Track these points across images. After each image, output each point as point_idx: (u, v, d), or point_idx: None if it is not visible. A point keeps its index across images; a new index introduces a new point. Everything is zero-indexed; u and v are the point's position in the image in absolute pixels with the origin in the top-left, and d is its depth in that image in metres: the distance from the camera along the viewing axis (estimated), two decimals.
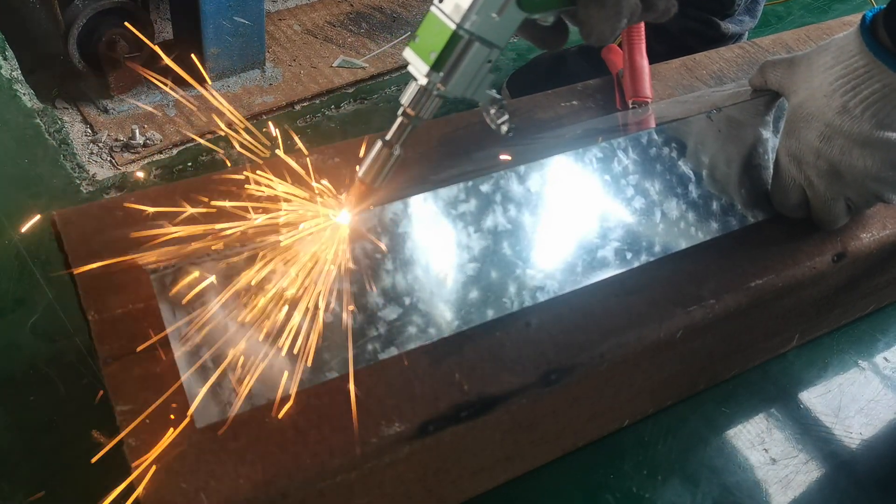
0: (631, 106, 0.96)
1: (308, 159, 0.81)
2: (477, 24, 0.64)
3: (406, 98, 0.68)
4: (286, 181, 0.76)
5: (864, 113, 0.78)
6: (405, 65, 1.46)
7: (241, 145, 0.79)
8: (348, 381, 0.68)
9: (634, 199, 0.84)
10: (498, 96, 0.70)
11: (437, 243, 0.75)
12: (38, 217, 1.08)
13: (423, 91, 0.67)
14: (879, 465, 0.95)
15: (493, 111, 0.71)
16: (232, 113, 0.82)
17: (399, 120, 0.69)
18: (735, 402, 0.99)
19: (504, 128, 0.71)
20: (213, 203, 0.73)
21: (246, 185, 0.76)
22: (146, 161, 1.23)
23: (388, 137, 0.69)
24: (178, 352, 0.65)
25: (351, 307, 0.70)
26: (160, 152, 1.25)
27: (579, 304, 0.78)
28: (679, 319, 0.79)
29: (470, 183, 0.77)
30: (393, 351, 0.71)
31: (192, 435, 0.63)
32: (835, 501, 0.91)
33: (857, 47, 0.78)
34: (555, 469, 0.89)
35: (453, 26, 0.64)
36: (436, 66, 0.65)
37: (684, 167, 0.87)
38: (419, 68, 0.66)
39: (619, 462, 0.91)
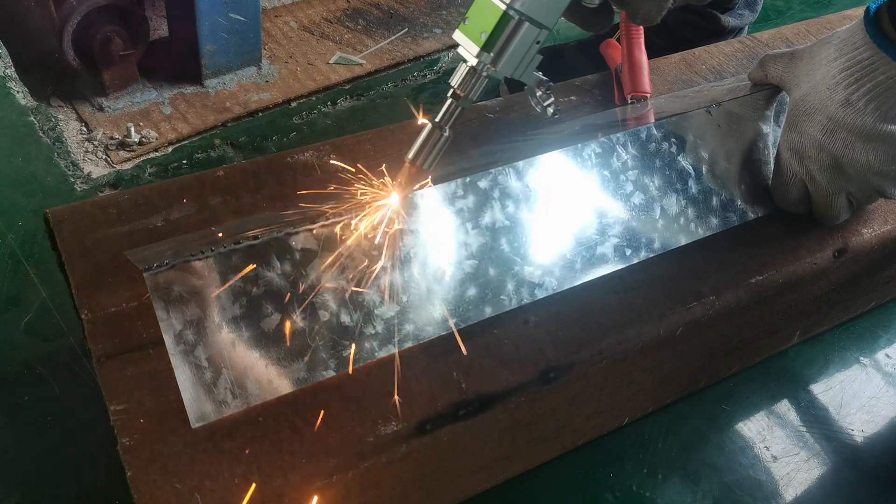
0: (630, 101, 0.96)
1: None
2: (527, 4, 0.65)
3: (456, 80, 0.69)
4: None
5: (867, 106, 0.77)
6: (402, 62, 1.47)
7: None
8: (345, 380, 0.67)
9: (634, 195, 0.83)
10: (545, 78, 0.71)
11: (434, 240, 0.74)
12: (31, 215, 1.08)
13: (473, 72, 0.68)
14: (881, 463, 0.94)
15: (539, 93, 0.72)
16: None
17: (448, 101, 0.70)
18: (736, 399, 0.98)
19: (550, 110, 0.73)
20: None
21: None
22: (141, 159, 1.22)
23: (437, 119, 0.70)
24: (173, 350, 0.64)
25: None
26: (156, 150, 1.24)
27: (578, 301, 0.77)
28: (679, 316, 0.78)
29: (468, 179, 0.77)
30: (390, 349, 0.70)
31: (186, 434, 0.62)
32: (836, 499, 0.91)
33: (861, 39, 0.77)
34: (554, 468, 0.88)
35: (503, 6, 0.65)
36: (486, 47, 0.66)
37: (684, 162, 0.86)
38: (469, 49, 0.67)
39: (619, 460, 0.90)
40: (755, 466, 0.92)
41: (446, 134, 0.70)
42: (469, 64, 0.68)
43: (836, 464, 0.94)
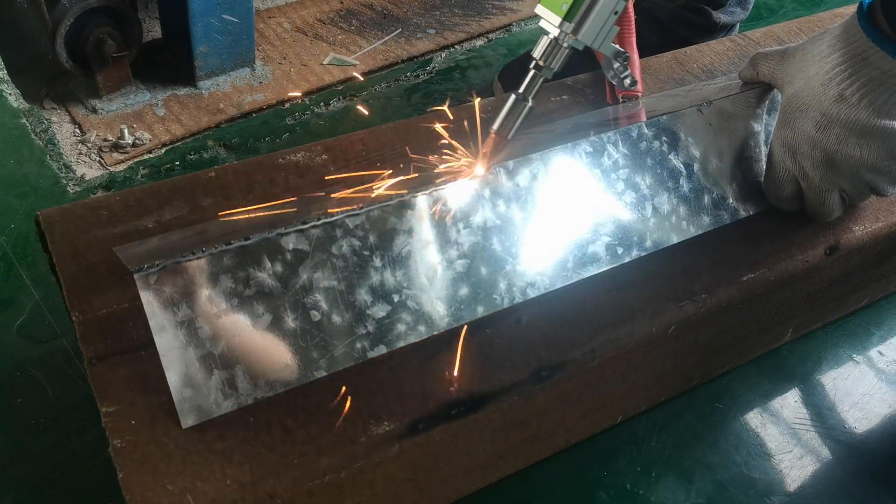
0: (621, 100, 0.96)
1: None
2: None
3: (538, 51, 0.73)
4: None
5: (861, 100, 0.77)
6: (396, 62, 1.47)
7: None
8: (337, 380, 0.67)
9: (625, 194, 0.83)
10: (622, 49, 0.74)
11: (426, 240, 0.74)
12: (23, 217, 1.08)
13: (555, 43, 0.72)
14: (874, 460, 0.94)
15: (616, 65, 0.75)
16: None
17: (531, 73, 0.74)
18: (729, 397, 0.98)
19: (627, 81, 0.78)
20: None
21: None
22: (135, 161, 1.22)
23: (520, 91, 0.74)
24: (164, 352, 0.64)
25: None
26: (149, 152, 1.24)
27: (570, 300, 0.77)
28: (671, 314, 0.78)
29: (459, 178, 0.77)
30: (382, 349, 0.70)
31: (178, 436, 0.62)
32: (830, 496, 0.91)
33: (855, 34, 0.77)
34: (548, 467, 0.88)
35: None
36: (567, 17, 0.70)
37: (675, 161, 0.86)
38: (551, 20, 0.71)
39: (613, 459, 0.90)
40: (749, 464, 0.92)
41: (530, 104, 0.73)
42: (551, 35, 0.71)
43: (829, 461, 0.94)
